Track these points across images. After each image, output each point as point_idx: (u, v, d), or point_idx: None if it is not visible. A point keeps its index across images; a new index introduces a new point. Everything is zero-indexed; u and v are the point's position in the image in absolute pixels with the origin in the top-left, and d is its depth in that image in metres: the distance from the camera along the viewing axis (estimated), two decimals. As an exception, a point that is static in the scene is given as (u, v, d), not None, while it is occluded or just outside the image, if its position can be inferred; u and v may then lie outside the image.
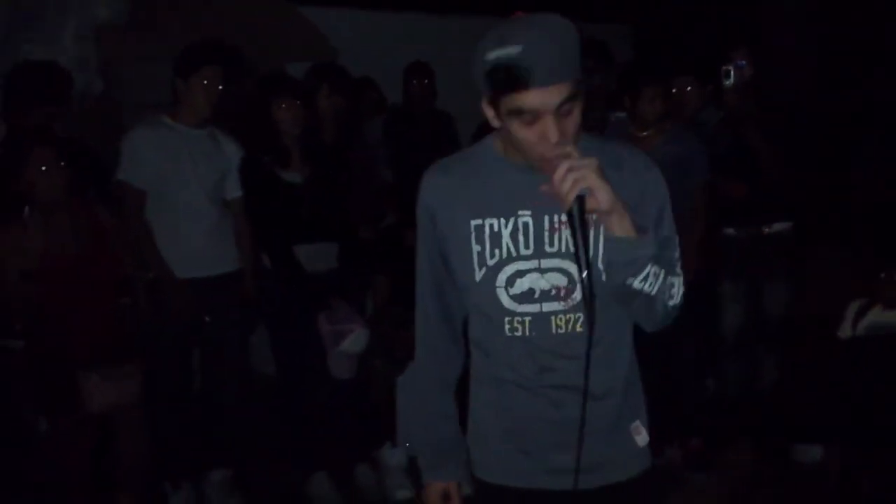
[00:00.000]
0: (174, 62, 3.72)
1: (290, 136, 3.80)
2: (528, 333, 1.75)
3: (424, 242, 1.91)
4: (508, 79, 1.52)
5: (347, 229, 4.05)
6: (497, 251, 1.74)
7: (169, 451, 3.76)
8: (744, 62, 4.04)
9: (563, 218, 1.60)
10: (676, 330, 4.13)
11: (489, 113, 1.65)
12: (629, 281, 1.62)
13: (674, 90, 4.43)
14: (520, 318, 1.75)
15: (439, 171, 1.86)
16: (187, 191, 3.70)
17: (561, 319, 1.73)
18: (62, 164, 3.08)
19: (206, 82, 3.68)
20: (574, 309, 1.72)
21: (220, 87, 3.73)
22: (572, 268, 1.68)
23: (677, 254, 1.81)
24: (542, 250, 1.72)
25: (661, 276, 1.67)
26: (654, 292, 1.66)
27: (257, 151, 3.81)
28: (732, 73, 4.02)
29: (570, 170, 1.51)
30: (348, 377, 3.87)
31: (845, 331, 3.94)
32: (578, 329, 1.72)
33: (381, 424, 4.13)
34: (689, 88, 4.42)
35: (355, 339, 3.81)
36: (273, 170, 3.78)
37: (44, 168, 3.04)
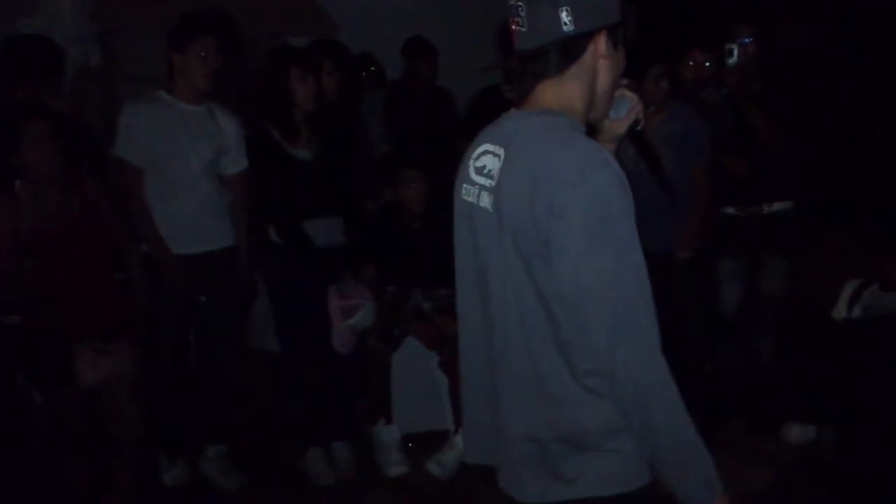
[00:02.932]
0: (168, 34, 3.67)
1: (302, 109, 3.76)
2: None
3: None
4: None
5: (352, 203, 4.03)
6: None
7: (164, 427, 3.76)
8: (748, 40, 4.00)
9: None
10: (675, 308, 4.18)
11: (605, 47, 1.70)
12: None
13: (691, 63, 4.39)
14: None
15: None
16: (184, 167, 3.67)
17: None
18: (55, 138, 3.04)
19: (202, 54, 3.63)
20: None
21: (216, 59, 3.68)
22: None
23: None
24: None
25: None
26: None
27: (267, 124, 3.78)
28: (736, 51, 3.98)
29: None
30: (348, 351, 3.88)
31: (840, 312, 3.93)
32: None
33: (377, 401, 4.14)
34: (707, 64, 4.38)
35: (365, 315, 3.83)
36: (281, 145, 3.76)
37: (37, 142, 3.00)
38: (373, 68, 5.57)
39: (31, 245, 3.02)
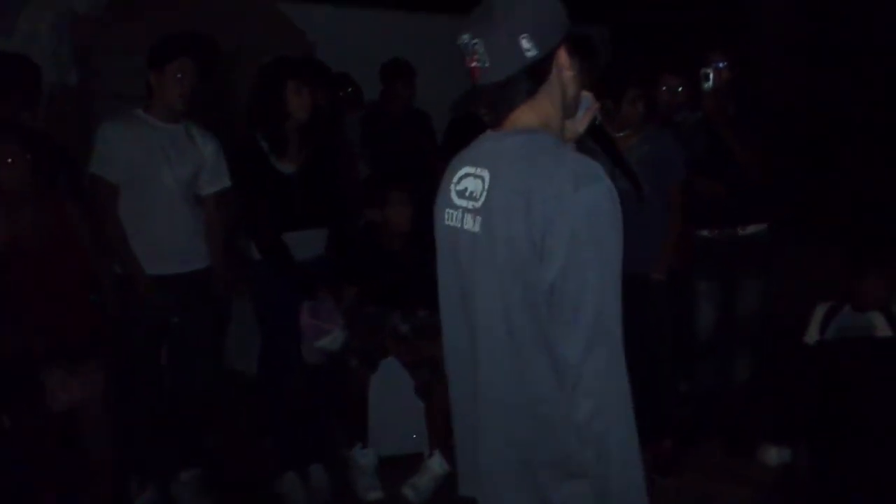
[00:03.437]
0: (147, 54, 3.66)
1: (295, 121, 3.77)
2: None
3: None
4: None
5: (337, 218, 4.03)
6: None
7: (136, 451, 3.72)
8: (723, 64, 4.04)
9: None
10: (652, 331, 4.19)
11: (566, 57, 1.73)
12: None
13: (664, 88, 4.43)
14: None
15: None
16: (160, 186, 3.65)
17: None
18: (28, 156, 3.02)
19: (179, 75, 3.62)
20: None
21: (194, 80, 3.67)
22: None
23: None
24: None
25: None
26: None
27: (256, 136, 3.77)
28: (711, 75, 4.02)
29: None
30: (318, 363, 3.88)
31: (812, 335, 3.96)
32: None
33: (354, 424, 4.12)
34: (680, 89, 4.43)
35: (332, 340, 3.83)
36: (267, 158, 3.76)
37: (9, 160, 2.98)
38: (350, 89, 5.58)
39: (2, 263, 2.99)
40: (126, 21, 5.10)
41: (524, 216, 1.59)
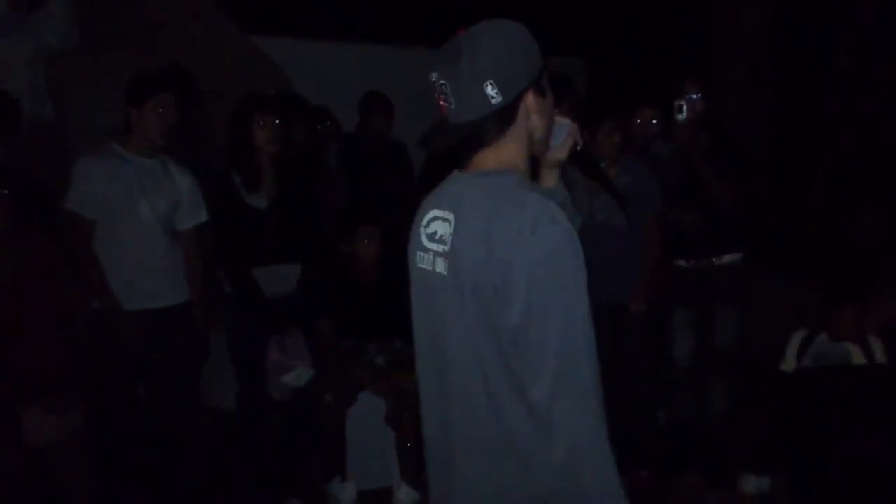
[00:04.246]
0: (126, 90, 3.66)
1: (265, 154, 3.78)
2: None
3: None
4: None
5: (311, 254, 4.03)
6: None
7: (113, 488, 3.67)
8: (696, 96, 4.10)
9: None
10: (629, 360, 4.20)
11: (534, 102, 1.73)
12: None
13: (638, 121, 4.48)
14: None
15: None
16: (137, 221, 3.64)
17: None
18: (4, 192, 3.00)
19: (160, 111, 3.63)
20: None
21: (174, 115, 3.68)
22: None
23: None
24: None
25: None
26: None
27: (230, 168, 3.79)
28: (685, 107, 4.07)
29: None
30: (284, 399, 3.87)
31: (788, 364, 3.99)
32: None
33: (332, 458, 4.09)
34: (654, 121, 4.48)
35: (297, 376, 3.83)
36: (240, 193, 3.77)
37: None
38: (328, 122, 5.60)
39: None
40: (102, 56, 5.10)
41: (485, 260, 1.60)
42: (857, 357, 3.96)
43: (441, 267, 1.71)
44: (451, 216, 1.71)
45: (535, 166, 1.99)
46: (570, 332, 1.57)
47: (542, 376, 1.56)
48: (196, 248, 3.85)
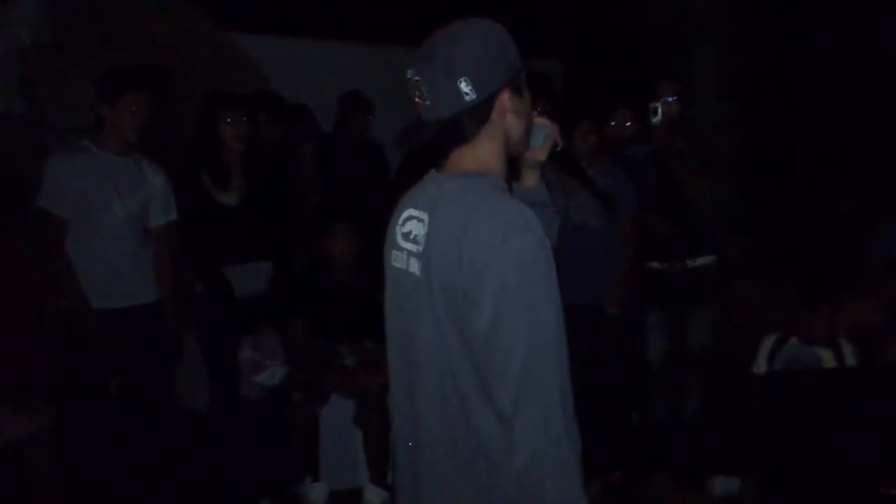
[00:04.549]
0: (98, 87, 3.63)
1: (232, 152, 3.77)
2: None
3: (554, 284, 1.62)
4: None
5: (281, 253, 4.01)
6: None
7: (84, 489, 3.63)
8: (671, 98, 4.12)
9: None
10: (603, 362, 4.22)
11: (509, 102, 1.72)
12: None
13: (613, 123, 4.51)
14: None
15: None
16: (109, 219, 3.61)
17: None
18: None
19: (133, 109, 3.60)
20: None
21: (148, 113, 3.66)
22: None
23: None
24: None
25: None
26: None
27: (198, 166, 3.77)
28: (660, 109, 4.09)
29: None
30: (256, 397, 3.86)
31: (760, 366, 4.02)
32: None
33: (304, 458, 4.07)
34: (628, 124, 4.51)
35: (270, 375, 3.83)
36: (209, 191, 3.75)
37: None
38: (306, 121, 5.58)
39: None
40: (75, 53, 5.05)
41: (456, 263, 1.60)
42: (828, 361, 4.00)
43: (415, 267, 1.71)
44: (425, 216, 1.71)
45: (515, 167, 1.99)
46: (537, 339, 1.56)
47: (508, 383, 1.56)
48: (167, 246, 3.82)
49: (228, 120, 3.75)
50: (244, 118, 3.80)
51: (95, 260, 3.58)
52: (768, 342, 4.05)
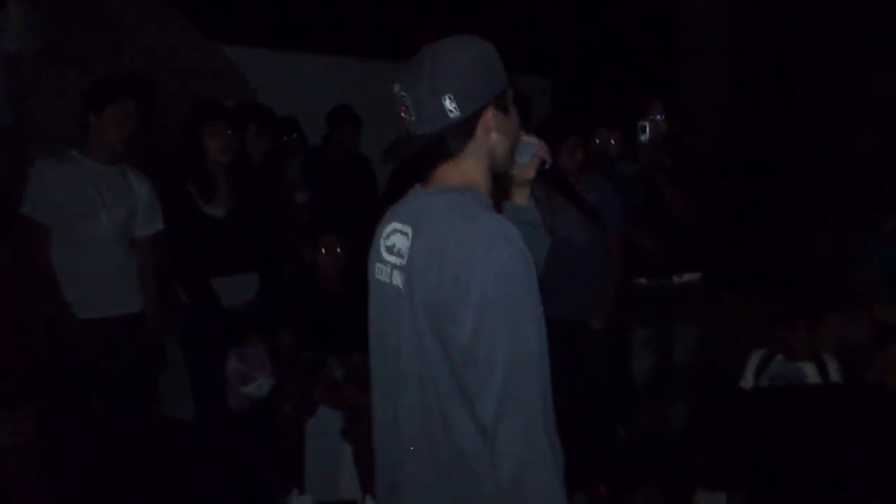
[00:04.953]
0: (85, 96, 3.63)
1: (218, 164, 3.76)
2: None
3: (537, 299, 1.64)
4: None
5: (269, 264, 4.01)
6: None
7: (65, 499, 3.60)
8: (659, 116, 4.14)
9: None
10: (589, 377, 4.22)
11: (494, 119, 1.73)
12: None
13: (597, 140, 4.52)
14: None
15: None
16: (94, 228, 3.60)
17: None
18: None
19: (119, 118, 3.60)
20: None
21: (134, 122, 3.65)
22: None
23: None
24: None
25: None
26: None
27: (184, 179, 3.77)
28: (648, 127, 4.11)
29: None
30: (243, 409, 3.85)
31: (747, 382, 4.03)
32: None
33: (290, 470, 4.05)
34: (612, 142, 4.53)
35: (257, 387, 3.82)
36: (195, 202, 3.74)
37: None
38: (295, 135, 5.58)
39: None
40: (62, 63, 5.04)
41: (438, 276, 1.61)
42: (812, 376, 4.02)
43: (398, 280, 1.72)
44: (409, 230, 1.72)
45: (505, 185, 2.00)
46: (519, 352, 1.58)
47: (489, 394, 1.57)
48: (152, 257, 3.81)
49: (212, 132, 3.76)
50: (229, 130, 3.80)
51: (80, 269, 3.56)
52: (755, 358, 4.07)
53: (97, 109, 3.59)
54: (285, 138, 5.30)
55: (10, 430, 3.03)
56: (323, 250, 4.21)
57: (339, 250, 4.23)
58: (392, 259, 1.75)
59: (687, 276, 4.29)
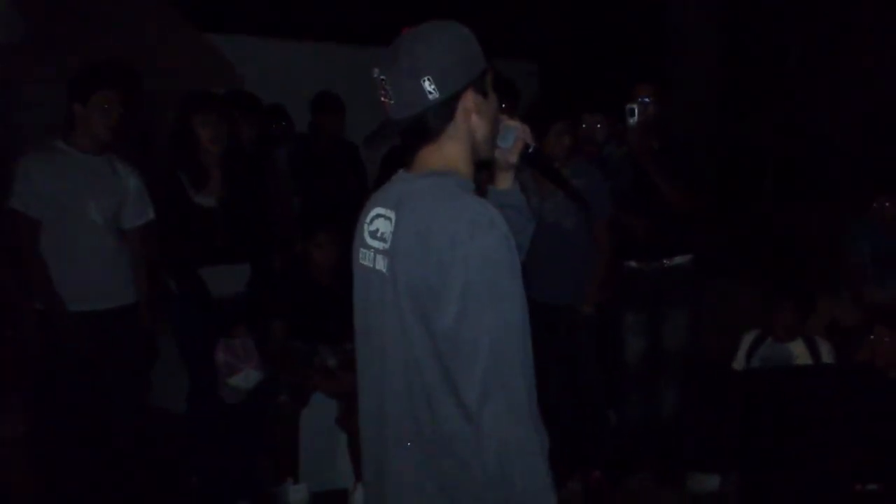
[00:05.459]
0: (70, 85, 3.59)
1: (210, 153, 3.75)
2: None
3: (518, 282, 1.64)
4: None
5: (260, 254, 4.00)
6: None
7: (58, 491, 3.59)
8: (647, 99, 4.13)
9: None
10: (580, 361, 4.22)
11: (473, 102, 1.74)
12: None
13: (584, 126, 4.51)
14: None
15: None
16: (83, 219, 3.58)
17: None
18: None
19: (105, 107, 3.57)
20: None
21: (120, 111, 3.62)
22: None
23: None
24: None
25: None
26: None
27: (176, 168, 3.75)
28: (636, 110, 4.10)
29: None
30: (234, 402, 3.83)
31: (739, 363, 4.05)
32: None
33: (284, 460, 4.05)
34: (598, 126, 4.52)
35: (244, 378, 3.80)
36: (186, 192, 3.73)
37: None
38: (283, 122, 5.56)
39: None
40: (51, 52, 5.00)
41: (422, 260, 1.62)
42: (803, 358, 4.04)
43: (381, 264, 1.72)
44: (392, 214, 1.72)
45: (491, 170, 2.00)
46: (502, 334, 1.58)
47: (473, 378, 1.58)
48: (142, 247, 3.79)
49: (204, 121, 3.73)
50: (220, 120, 3.77)
51: (70, 261, 3.54)
52: (748, 339, 4.08)
53: (82, 99, 3.55)
54: (273, 126, 5.28)
55: (2, 424, 3.01)
56: (317, 247, 4.21)
57: (332, 246, 4.22)
58: (375, 244, 1.75)
59: (677, 259, 4.30)
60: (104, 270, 3.62)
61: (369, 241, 1.77)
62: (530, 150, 1.96)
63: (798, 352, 4.06)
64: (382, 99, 1.73)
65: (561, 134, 4.06)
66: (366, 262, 1.78)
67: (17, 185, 3.52)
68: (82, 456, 3.65)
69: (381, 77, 1.71)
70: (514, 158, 1.95)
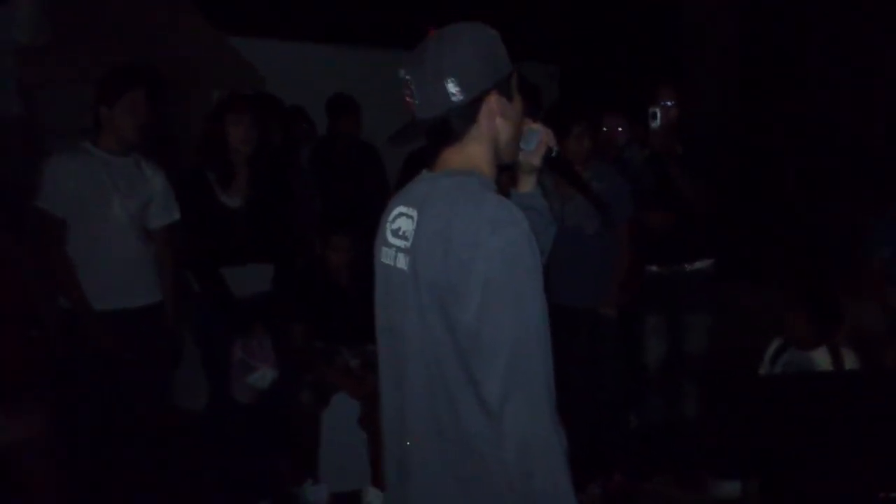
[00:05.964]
0: (97, 87, 3.63)
1: (239, 154, 3.78)
2: None
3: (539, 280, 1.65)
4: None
5: (285, 254, 4.02)
6: None
7: (81, 491, 3.62)
8: (670, 103, 4.13)
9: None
10: (601, 365, 4.21)
11: (497, 104, 1.74)
12: None
13: (604, 129, 4.51)
14: None
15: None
16: (109, 219, 3.60)
17: None
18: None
19: (131, 108, 3.60)
20: None
21: (145, 113, 3.66)
22: None
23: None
24: None
25: None
26: None
27: (204, 167, 3.80)
28: (659, 113, 4.10)
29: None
30: (247, 402, 3.85)
31: (765, 369, 4.01)
32: None
33: (304, 460, 4.07)
34: (619, 129, 4.51)
35: (260, 377, 3.82)
36: (213, 190, 3.76)
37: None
38: (305, 124, 5.58)
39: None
40: (72, 53, 5.04)
41: (443, 258, 1.62)
42: (825, 365, 4.00)
43: (402, 263, 1.73)
44: (414, 213, 1.73)
45: (513, 174, 2.00)
46: (524, 332, 1.59)
47: (495, 375, 1.59)
48: (168, 247, 3.82)
49: (236, 123, 3.77)
50: (252, 121, 3.81)
51: (97, 261, 3.56)
52: (773, 346, 4.05)
53: (109, 101, 3.59)
54: (294, 128, 5.30)
55: (23, 423, 3.03)
56: (332, 250, 4.23)
57: (348, 250, 4.24)
58: (397, 242, 1.76)
59: (698, 264, 4.29)
60: (129, 270, 3.64)
61: (391, 239, 1.78)
62: (553, 154, 1.96)
63: (821, 360, 4.02)
64: (407, 99, 1.74)
65: (581, 136, 4.06)
66: (387, 261, 1.79)
67: (45, 186, 3.55)
68: (104, 455, 3.68)
69: (407, 77, 1.73)
70: (537, 161, 1.95)
